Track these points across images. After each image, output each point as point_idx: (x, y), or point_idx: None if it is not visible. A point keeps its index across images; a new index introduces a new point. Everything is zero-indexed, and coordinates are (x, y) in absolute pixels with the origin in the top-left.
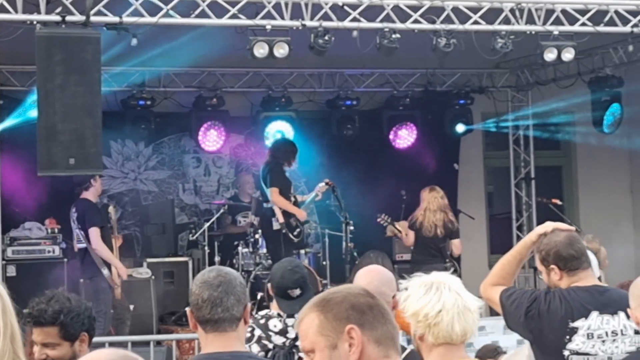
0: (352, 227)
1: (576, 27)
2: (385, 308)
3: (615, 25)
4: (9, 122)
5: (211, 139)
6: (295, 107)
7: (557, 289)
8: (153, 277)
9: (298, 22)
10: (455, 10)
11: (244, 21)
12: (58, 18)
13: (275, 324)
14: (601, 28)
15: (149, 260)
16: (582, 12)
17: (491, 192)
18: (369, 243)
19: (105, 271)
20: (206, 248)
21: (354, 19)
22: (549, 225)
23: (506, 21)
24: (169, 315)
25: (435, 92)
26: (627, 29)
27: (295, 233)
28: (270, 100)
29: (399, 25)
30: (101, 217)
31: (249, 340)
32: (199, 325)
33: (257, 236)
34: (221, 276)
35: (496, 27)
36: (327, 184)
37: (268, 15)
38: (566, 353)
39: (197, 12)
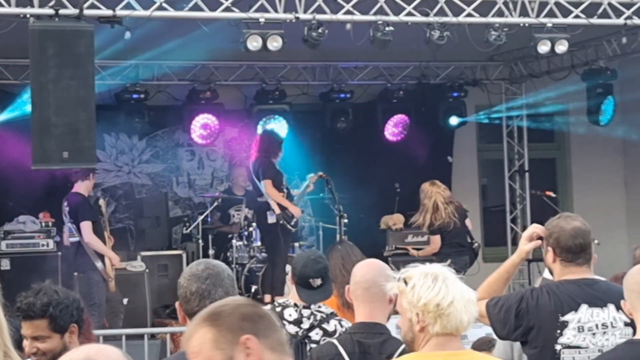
0: (346, 220)
1: (569, 20)
2: (273, 316)
3: (609, 17)
4: (3, 116)
5: (204, 132)
6: (289, 100)
7: (543, 285)
8: (147, 270)
9: (291, 15)
10: (449, 2)
11: (237, 14)
12: (51, 11)
13: (290, 313)
14: (594, 20)
15: (143, 253)
16: (576, 5)
17: (485, 184)
18: (362, 236)
19: (99, 264)
20: (200, 241)
21: (348, 12)
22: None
23: (500, 13)
24: (163, 308)
25: (429, 85)
26: (621, 21)
27: (292, 223)
28: (264, 93)
29: (392, 17)
30: (93, 211)
31: None
32: (188, 318)
33: (251, 229)
34: (209, 269)
35: (490, 19)
36: (320, 176)
37: (261, 8)
38: (558, 347)
39: (190, 5)
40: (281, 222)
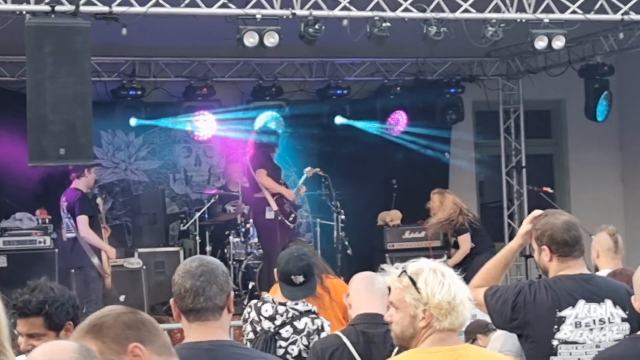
0: (343, 217)
1: (567, 15)
2: (154, 320)
3: (606, 13)
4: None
5: (202, 128)
6: (286, 97)
7: (542, 279)
8: (144, 267)
9: (288, 11)
10: None
11: (233, 10)
12: (47, 8)
13: (267, 309)
14: (592, 16)
15: (140, 250)
16: (573, 0)
17: (482, 180)
18: (360, 232)
19: (95, 260)
20: (197, 238)
21: (344, 8)
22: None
23: (496, 9)
24: (160, 305)
25: (426, 81)
26: (618, 16)
27: (290, 219)
28: (261, 89)
29: (389, 13)
30: (91, 207)
31: (245, 321)
32: (182, 315)
33: (248, 226)
34: (203, 265)
35: (486, 15)
36: (317, 173)
37: (258, 5)
38: (555, 343)
39: (187, 1)
40: (279, 218)
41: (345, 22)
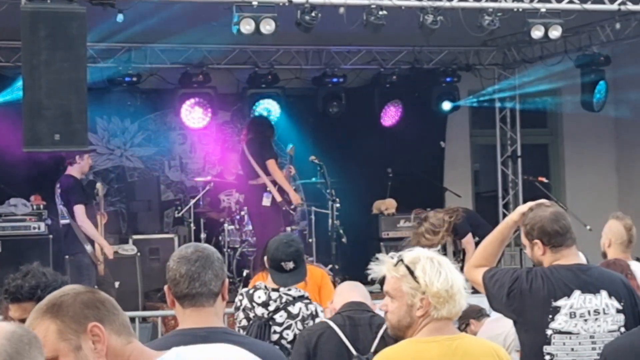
0: (338, 205)
1: (563, 5)
2: (113, 300)
3: (602, 3)
4: None
5: (196, 116)
6: (282, 84)
7: (539, 267)
8: (139, 253)
9: None
10: None
11: None
12: None
13: (259, 295)
14: (588, 6)
15: (135, 237)
16: None
17: (477, 170)
18: (354, 220)
19: (88, 247)
20: (192, 225)
21: None
22: (531, 205)
23: None
24: (154, 292)
25: (422, 70)
26: (614, 6)
27: (292, 207)
28: (257, 77)
29: (385, 2)
30: (85, 194)
31: (237, 308)
32: (177, 300)
33: (242, 213)
34: (199, 251)
35: (483, 4)
36: (312, 161)
37: None
38: (549, 332)
39: None
40: (284, 208)
41: (341, 10)
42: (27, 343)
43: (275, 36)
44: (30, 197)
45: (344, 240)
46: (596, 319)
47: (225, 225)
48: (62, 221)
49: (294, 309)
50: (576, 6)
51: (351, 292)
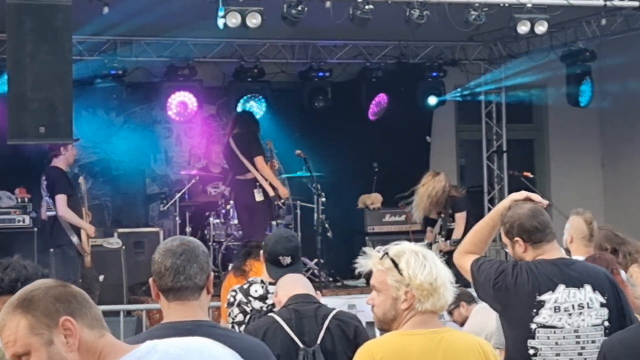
0: (323, 199)
1: (549, 0)
2: (84, 293)
3: None
4: None
5: (181, 109)
6: (268, 78)
7: (524, 261)
8: (124, 247)
9: None
10: None
11: None
12: None
13: (256, 289)
14: (574, 1)
15: (120, 230)
16: None
17: (463, 165)
18: (340, 214)
19: (74, 239)
20: (177, 218)
21: None
22: (522, 194)
23: None
24: (139, 285)
25: (408, 64)
26: (600, 2)
27: (282, 201)
28: (243, 71)
29: None
30: (70, 185)
31: (230, 304)
32: (162, 294)
33: (228, 207)
34: (184, 245)
35: None
36: (298, 155)
37: None
38: (533, 326)
39: None
40: (275, 202)
41: (328, 4)
42: None
43: (261, 30)
44: (15, 190)
45: (329, 234)
46: (580, 313)
47: (211, 219)
48: (49, 213)
49: None
50: (562, 1)
51: (294, 284)
